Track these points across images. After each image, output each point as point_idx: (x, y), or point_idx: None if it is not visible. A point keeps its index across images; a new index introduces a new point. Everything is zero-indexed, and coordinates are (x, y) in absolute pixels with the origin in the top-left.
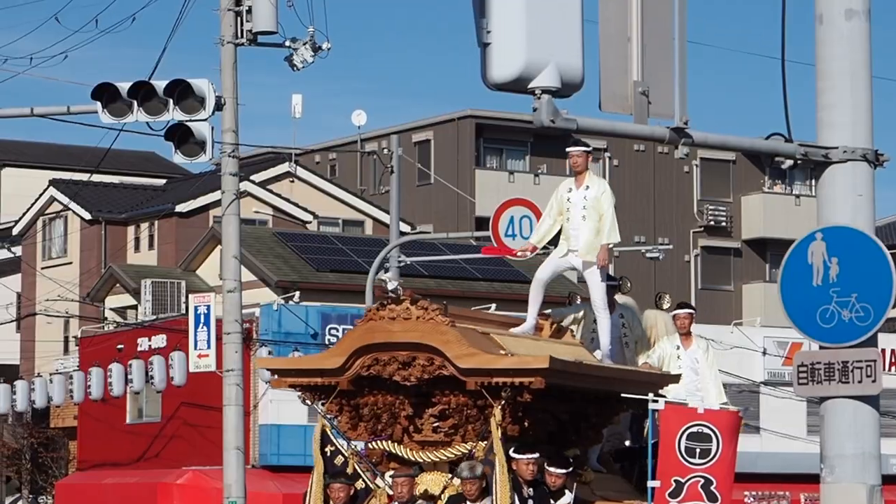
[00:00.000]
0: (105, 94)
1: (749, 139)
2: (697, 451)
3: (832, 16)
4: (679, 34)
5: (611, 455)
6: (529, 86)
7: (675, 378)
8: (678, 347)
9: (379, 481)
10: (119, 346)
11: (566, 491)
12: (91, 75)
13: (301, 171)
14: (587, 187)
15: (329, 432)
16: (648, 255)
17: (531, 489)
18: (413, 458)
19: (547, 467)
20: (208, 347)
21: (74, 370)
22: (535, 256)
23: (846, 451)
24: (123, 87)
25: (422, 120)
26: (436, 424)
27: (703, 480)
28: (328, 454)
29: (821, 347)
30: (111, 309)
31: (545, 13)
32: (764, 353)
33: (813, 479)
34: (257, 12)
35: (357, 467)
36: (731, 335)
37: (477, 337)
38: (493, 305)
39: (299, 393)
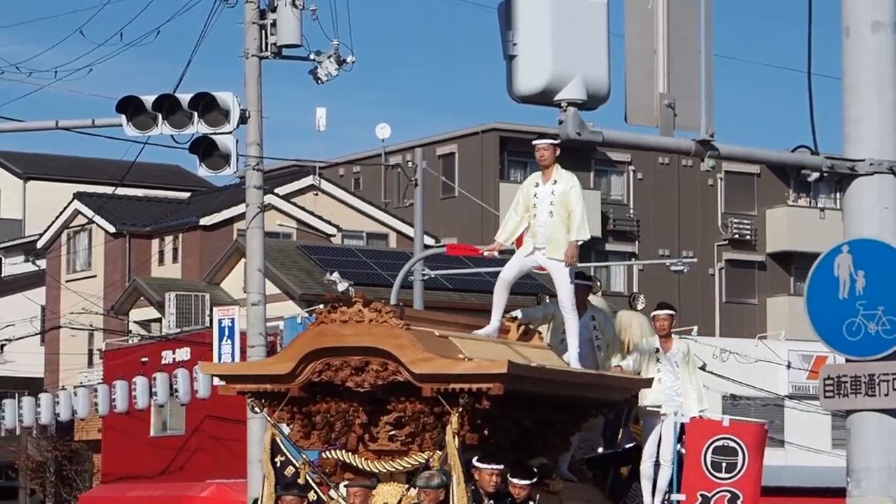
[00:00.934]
0: (130, 107)
1: (775, 152)
2: (724, 465)
3: (859, 28)
4: (705, 47)
5: (582, 463)
6: (555, 98)
7: (648, 382)
8: (657, 350)
9: (333, 493)
10: (143, 359)
11: (531, 502)
12: (116, 88)
13: (325, 185)
14: (555, 182)
15: (279, 441)
16: (673, 268)
17: (493, 502)
18: (368, 468)
19: (510, 478)
20: (233, 360)
21: (99, 383)
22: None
23: (872, 464)
24: (148, 100)
25: (446, 133)
26: (392, 433)
27: (729, 495)
28: (278, 464)
29: (847, 360)
30: (135, 322)
31: (571, 26)
32: (788, 366)
33: (837, 493)
34: (282, 26)
35: (309, 478)
36: (755, 349)
37: (434, 340)
38: None
39: (250, 400)
